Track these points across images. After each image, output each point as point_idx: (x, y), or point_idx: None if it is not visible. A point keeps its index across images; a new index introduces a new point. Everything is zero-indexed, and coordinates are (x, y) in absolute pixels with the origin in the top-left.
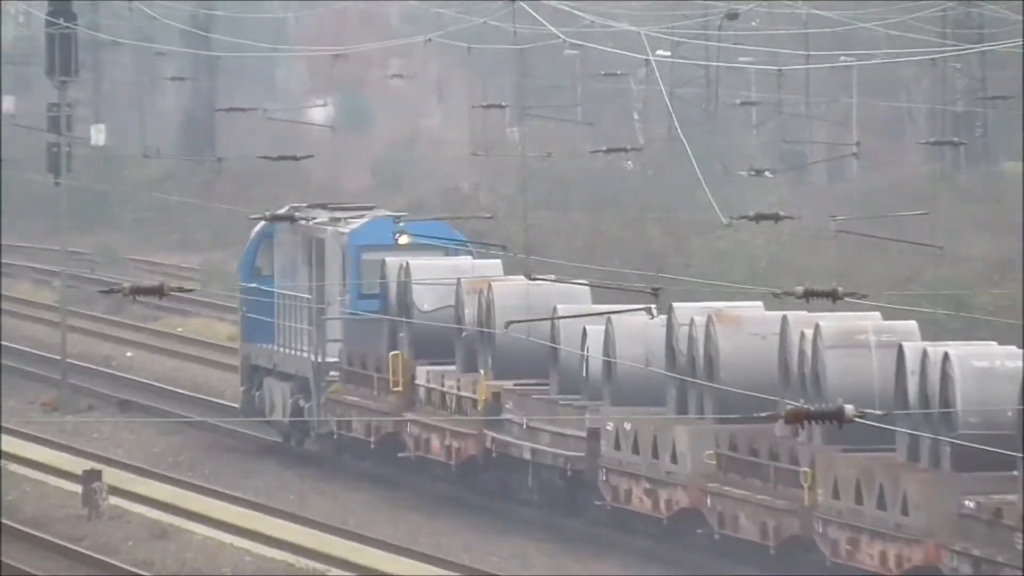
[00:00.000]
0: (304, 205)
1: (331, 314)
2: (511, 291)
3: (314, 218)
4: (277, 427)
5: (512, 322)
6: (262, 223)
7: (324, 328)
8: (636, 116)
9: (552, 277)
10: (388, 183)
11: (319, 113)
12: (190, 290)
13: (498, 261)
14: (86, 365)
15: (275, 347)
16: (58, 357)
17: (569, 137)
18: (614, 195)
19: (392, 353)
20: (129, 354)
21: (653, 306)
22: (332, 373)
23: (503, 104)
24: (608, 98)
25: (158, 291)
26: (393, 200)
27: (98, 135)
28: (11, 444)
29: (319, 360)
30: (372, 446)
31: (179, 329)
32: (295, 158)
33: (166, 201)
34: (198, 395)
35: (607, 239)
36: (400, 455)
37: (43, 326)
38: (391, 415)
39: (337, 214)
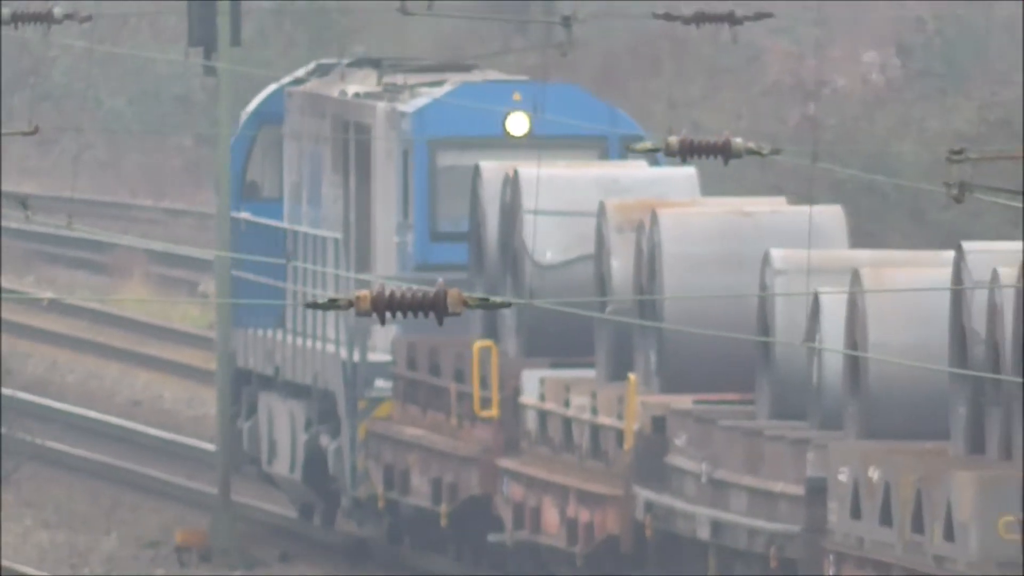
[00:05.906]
0: (343, 61)
1: (379, 271)
2: (697, 226)
3: (355, 85)
4: (283, 488)
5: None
6: (261, 98)
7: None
8: None
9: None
10: None
11: None
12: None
13: (692, 171)
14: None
15: (281, 336)
16: (208, 446)
17: None
18: None
19: (479, 344)
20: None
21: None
22: (379, 383)
23: None
24: None
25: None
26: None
27: None
28: None
29: (355, 359)
30: (443, 522)
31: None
32: None
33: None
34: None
35: None
36: (491, 538)
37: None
38: (475, 463)
39: (400, 78)
